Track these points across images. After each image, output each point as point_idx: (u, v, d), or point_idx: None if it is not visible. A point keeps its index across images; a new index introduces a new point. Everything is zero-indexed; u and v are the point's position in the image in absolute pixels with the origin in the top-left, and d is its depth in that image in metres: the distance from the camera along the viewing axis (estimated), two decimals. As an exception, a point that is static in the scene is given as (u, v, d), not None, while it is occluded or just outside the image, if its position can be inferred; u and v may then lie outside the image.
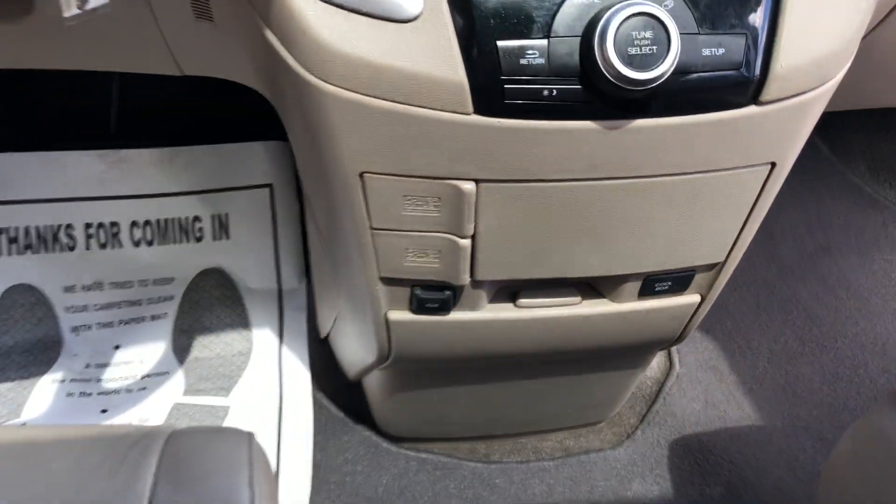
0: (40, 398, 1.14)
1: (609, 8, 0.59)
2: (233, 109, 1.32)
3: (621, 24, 0.58)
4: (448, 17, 0.60)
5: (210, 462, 0.55)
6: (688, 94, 0.63)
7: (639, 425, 1.18)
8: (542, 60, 0.61)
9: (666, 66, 0.59)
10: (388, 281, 0.77)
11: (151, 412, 1.13)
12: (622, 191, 0.69)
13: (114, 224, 1.27)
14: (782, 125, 0.68)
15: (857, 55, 0.71)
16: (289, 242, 1.32)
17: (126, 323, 1.25)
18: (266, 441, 1.11)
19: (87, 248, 1.26)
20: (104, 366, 1.20)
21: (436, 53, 0.60)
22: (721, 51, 0.63)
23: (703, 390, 1.22)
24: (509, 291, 0.82)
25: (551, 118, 0.63)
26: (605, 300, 0.83)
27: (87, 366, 1.20)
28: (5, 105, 1.35)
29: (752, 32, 0.63)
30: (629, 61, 0.58)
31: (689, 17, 0.61)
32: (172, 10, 0.78)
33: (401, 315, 0.81)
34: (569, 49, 0.60)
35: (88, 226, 1.26)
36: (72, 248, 1.26)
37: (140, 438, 0.57)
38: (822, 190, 1.57)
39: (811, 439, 1.16)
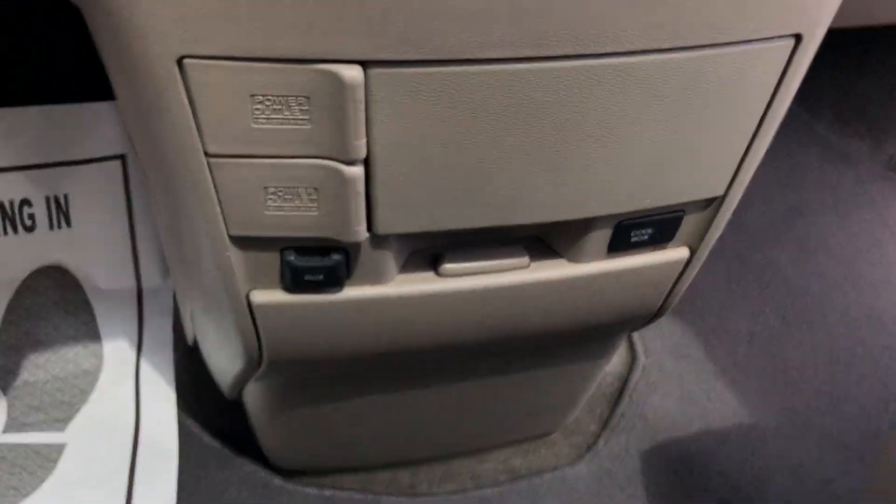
0: None
1: None
2: (67, 59, 1.05)
3: None
4: None
5: None
6: None
7: (601, 433, 0.95)
8: None
9: None
10: (243, 242, 0.52)
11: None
12: (587, 78, 0.46)
13: (-88, 212, 0.99)
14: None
15: None
16: (150, 228, 1.05)
17: (-71, 342, 0.96)
18: (114, 486, 0.84)
19: None
20: None
21: None
22: None
23: (676, 384, 1.00)
24: (429, 254, 0.59)
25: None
26: (562, 260, 0.60)
27: None
28: None
29: None
30: None
31: None
32: None
33: (270, 295, 0.56)
34: None
35: None
36: None
37: None
38: (789, 144, 1.39)
39: (815, 437, 0.96)
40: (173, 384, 0.95)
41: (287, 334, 0.59)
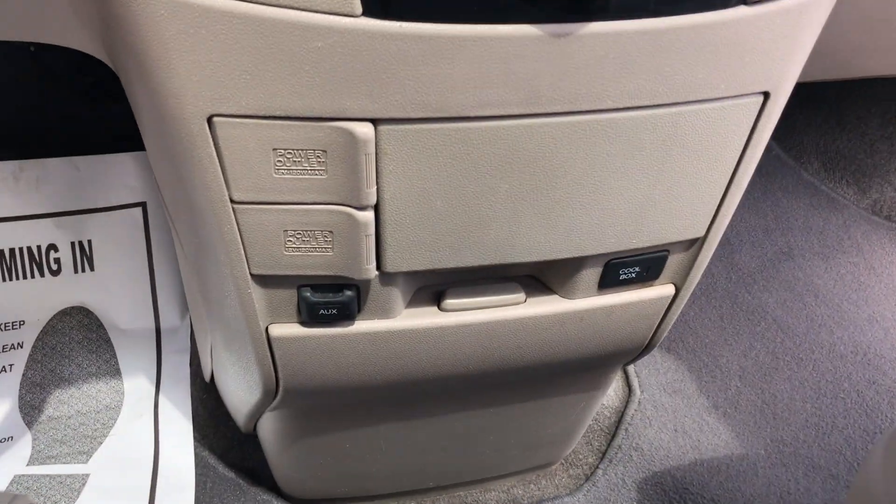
0: None
1: None
2: (94, 114, 1.11)
3: None
4: None
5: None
6: None
7: (599, 464, 0.99)
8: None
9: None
10: (263, 280, 0.57)
11: (-16, 489, 0.89)
12: (574, 132, 0.51)
13: (-56, 257, 1.04)
14: (777, 36, 0.51)
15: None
16: (168, 271, 1.10)
17: (-40, 379, 1.00)
18: (135, 515, 0.88)
19: (-89, 289, 1.02)
20: (-72, 434, 0.95)
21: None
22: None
23: (670, 417, 1.04)
24: (432, 290, 0.63)
25: (470, 20, 0.45)
26: (555, 296, 0.65)
27: None
28: None
29: None
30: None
31: None
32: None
33: (287, 329, 0.60)
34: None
35: (-90, 261, 1.02)
36: None
37: None
38: (777, 191, 1.44)
39: (802, 467, 0.99)
40: (190, 418, 0.98)
41: (302, 365, 0.63)
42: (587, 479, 0.97)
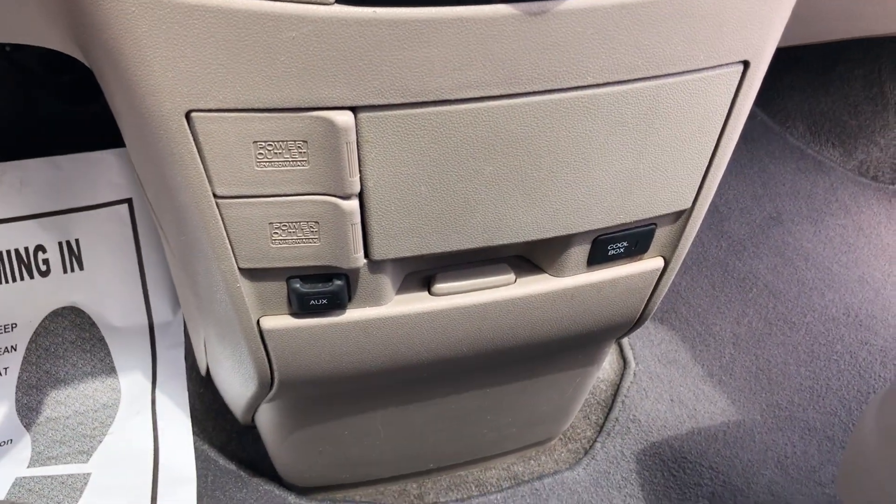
0: None
1: None
2: (73, 112, 1.10)
3: None
4: None
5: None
6: None
7: (597, 437, 0.99)
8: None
9: None
10: (251, 274, 0.57)
11: (-15, 493, 0.89)
12: (555, 110, 0.51)
13: (-69, 263, 1.03)
14: (754, 5, 0.51)
15: None
16: (158, 267, 1.09)
17: (-45, 385, 1.00)
18: (138, 512, 0.88)
19: None
20: (-75, 444, 0.95)
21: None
22: None
23: (666, 388, 1.04)
24: (421, 276, 0.63)
25: (446, 2, 0.44)
26: (545, 275, 0.65)
27: None
28: None
29: None
30: None
31: None
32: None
33: (279, 321, 0.60)
34: None
35: None
36: None
37: None
38: (764, 157, 1.44)
39: (798, 430, 0.99)
40: (188, 413, 0.98)
41: (296, 355, 0.63)
42: (586, 452, 0.98)
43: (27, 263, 1.06)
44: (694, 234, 0.67)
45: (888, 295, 1.20)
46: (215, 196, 0.51)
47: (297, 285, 0.58)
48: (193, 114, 0.47)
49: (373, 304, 0.61)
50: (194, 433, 0.96)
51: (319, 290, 0.58)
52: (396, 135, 0.49)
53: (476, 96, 0.49)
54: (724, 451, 0.96)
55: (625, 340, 1.09)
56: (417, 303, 0.62)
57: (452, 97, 0.48)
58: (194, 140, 0.48)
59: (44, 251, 1.07)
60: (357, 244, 0.54)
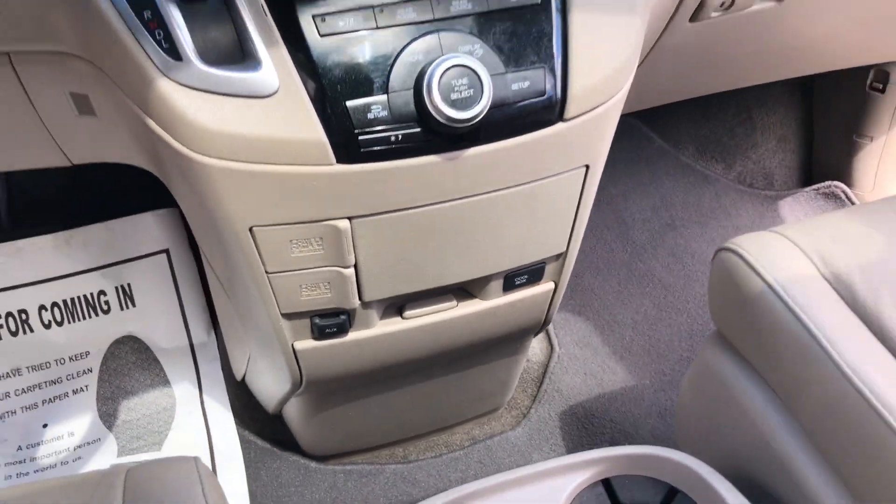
0: (-22, 486, 1.18)
1: (431, 63, 0.71)
2: (118, 186, 1.39)
3: (442, 75, 0.71)
4: (301, 88, 0.71)
5: (168, 487, 0.64)
6: (506, 121, 0.76)
7: (532, 405, 1.32)
8: (385, 112, 0.72)
9: (483, 104, 0.72)
10: (289, 316, 0.87)
11: (89, 478, 1.19)
12: (470, 207, 0.82)
13: (22, 311, 1.32)
14: (587, 134, 0.82)
15: (651, 61, 0.86)
16: (192, 299, 1.39)
17: (50, 402, 1.30)
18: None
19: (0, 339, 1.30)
20: (36, 445, 1.25)
21: (296, 119, 0.71)
22: (527, 83, 0.76)
23: (581, 365, 1.37)
24: (396, 306, 0.94)
25: (400, 158, 0.75)
26: (476, 300, 0.96)
27: (19, 448, 1.24)
28: None
29: (550, 65, 0.77)
30: (453, 104, 0.71)
31: (496, 60, 0.75)
32: (56, 109, 0.86)
33: (305, 343, 0.91)
34: (405, 100, 0.73)
35: (-3, 317, 1.31)
36: (-17, 341, 1.30)
37: (102, 479, 0.65)
38: (661, 175, 1.75)
39: (675, 390, 1.32)
40: (230, 409, 1.29)
41: (317, 364, 0.94)
42: (524, 417, 1.30)
43: (93, 305, 1.36)
44: (572, 266, 0.98)
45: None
46: (267, 272, 0.81)
47: (317, 321, 0.88)
48: (255, 228, 0.77)
49: (365, 328, 0.92)
50: (236, 423, 1.26)
51: (331, 322, 0.89)
52: (374, 230, 0.80)
53: (420, 204, 0.79)
54: (622, 408, 1.29)
55: (551, 330, 1.42)
56: (394, 325, 0.93)
57: (406, 206, 0.79)
58: (255, 242, 0.78)
59: (105, 294, 1.36)
60: (354, 293, 0.85)
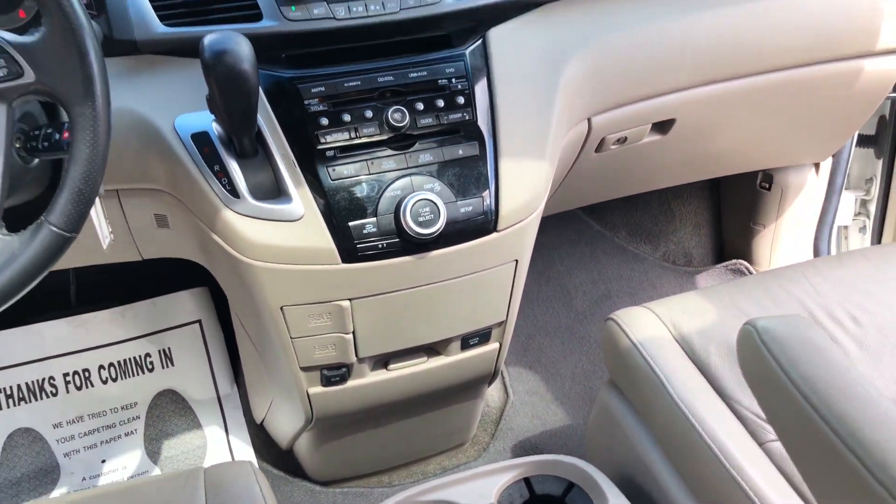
0: (54, 509, 1.47)
1: (405, 197, 1.05)
2: (161, 270, 1.72)
3: (413, 204, 1.04)
4: (318, 214, 1.04)
5: (235, 482, 0.95)
6: (456, 233, 1.09)
7: (490, 441, 1.63)
8: (374, 229, 1.06)
9: (440, 223, 1.05)
10: (305, 369, 1.19)
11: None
12: (434, 290, 1.14)
13: (85, 370, 1.63)
14: (514, 239, 1.16)
15: (571, 178, 1.21)
16: (219, 360, 1.71)
17: (106, 442, 1.60)
18: None
19: (67, 392, 1.62)
20: (96, 476, 1.55)
21: (316, 234, 1.04)
22: (471, 208, 1.09)
23: (530, 409, 1.69)
24: (382, 361, 1.26)
25: (385, 259, 1.07)
26: (441, 356, 1.28)
27: (84, 479, 1.54)
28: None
29: (487, 194, 1.11)
30: (420, 224, 1.04)
31: (449, 193, 1.08)
32: (142, 224, 1.20)
33: (316, 389, 1.23)
34: (388, 221, 1.06)
35: (66, 375, 1.62)
36: (55, 395, 1.61)
37: (188, 475, 0.96)
38: (599, 254, 2.10)
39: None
40: (251, 446, 1.60)
41: (325, 404, 1.26)
42: (484, 450, 1.62)
43: (141, 365, 1.67)
44: (511, 331, 1.31)
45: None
46: (291, 337, 1.14)
47: (325, 372, 1.20)
48: (284, 307, 1.10)
49: (360, 378, 1.24)
50: (256, 457, 1.57)
51: (335, 373, 1.21)
52: (367, 307, 1.12)
53: (399, 289, 1.12)
54: (559, 441, 1.61)
55: (507, 380, 1.74)
56: (381, 375, 1.25)
57: (389, 290, 1.11)
58: (283, 317, 1.11)
59: (150, 356, 1.68)
60: (352, 352, 1.17)
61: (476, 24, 1.13)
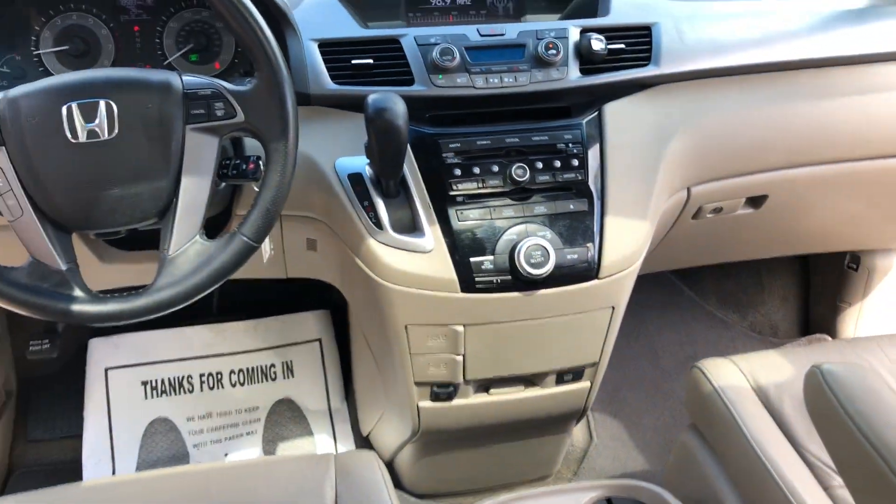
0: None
1: (521, 241, 1.21)
2: (289, 291, 1.92)
3: (527, 248, 1.20)
4: (445, 249, 1.21)
5: (361, 467, 1.11)
6: (563, 277, 1.23)
7: (572, 478, 1.74)
8: (491, 266, 1.22)
9: (549, 267, 1.20)
10: (419, 384, 1.35)
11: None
12: (538, 325, 1.29)
13: (219, 373, 1.84)
14: (613, 287, 1.30)
15: (668, 241, 1.35)
16: (333, 377, 1.89)
17: (230, 439, 1.79)
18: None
19: (202, 391, 1.82)
20: (220, 467, 1.74)
21: (442, 265, 1.21)
22: (577, 256, 1.24)
23: (611, 452, 1.79)
24: (485, 386, 1.40)
25: (498, 292, 1.23)
26: (537, 387, 1.41)
27: (209, 468, 1.74)
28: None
29: (592, 245, 1.26)
30: (531, 265, 1.20)
31: (559, 241, 1.24)
32: (294, 246, 1.40)
33: (426, 403, 1.38)
34: (503, 260, 1.22)
35: (202, 375, 1.83)
36: (191, 391, 1.82)
37: (319, 459, 1.13)
38: (688, 318, 2.19)
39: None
40: (356, 456, 1.76)
41: (431, 418, 1.41)
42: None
43: (265, 374, 1.87)
44: (602, 373, 1.44)
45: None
46: (410, 353, 1.30)
47: (435, 389, 1.36)
48: (408, 325, 1.27)
49: (465, 398, 1.38)
50: (360, 466, 1.73)
51: (443, 391, 1.36)
52: (478, 334, 1.28)
53: (507, 320, 1.27)
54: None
55: (592, 425, 1.85)
56: (483, 398, 1.39)
57: (499, 321, 1.27)
58: (406, 334, 1.28)
59: (274, 367, 1.88)
60: (460, 373, 1.32)
61: (594, 98, 1.30)
